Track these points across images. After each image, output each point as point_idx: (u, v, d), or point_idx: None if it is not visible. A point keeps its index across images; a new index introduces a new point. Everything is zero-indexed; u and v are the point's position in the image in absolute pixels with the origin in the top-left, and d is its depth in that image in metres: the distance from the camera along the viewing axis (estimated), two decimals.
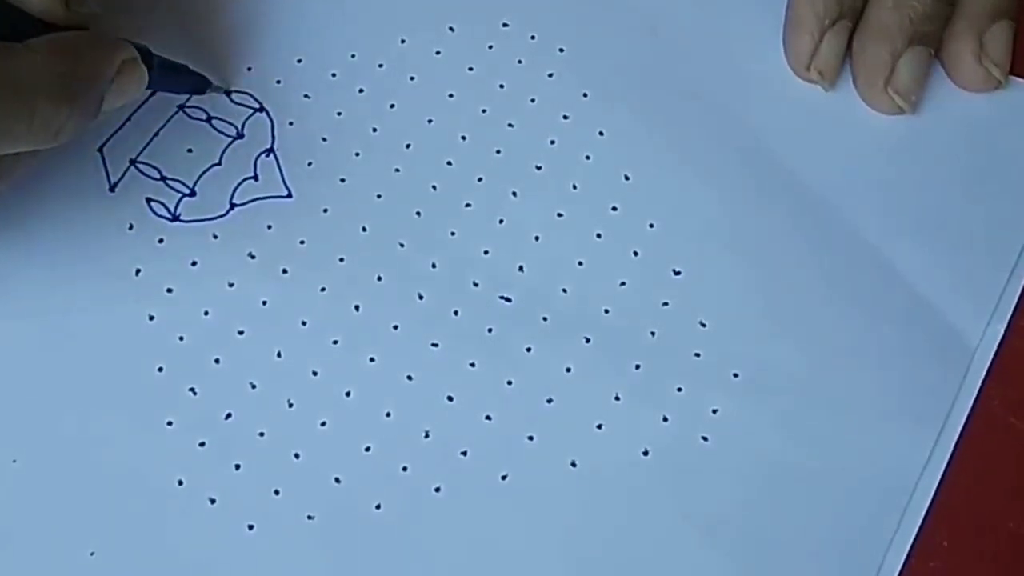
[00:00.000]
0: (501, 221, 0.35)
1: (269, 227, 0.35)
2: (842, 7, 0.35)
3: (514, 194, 0.35)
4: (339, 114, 0.36)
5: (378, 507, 0.31)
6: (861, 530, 0.31)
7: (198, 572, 0.30)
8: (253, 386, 0.32)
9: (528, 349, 0.33)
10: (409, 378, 0.32)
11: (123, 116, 0.36)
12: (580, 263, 0.34)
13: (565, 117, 0.36)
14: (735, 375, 0.33)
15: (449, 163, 0.36)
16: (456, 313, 0.33)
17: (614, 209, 0.35)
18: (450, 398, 0.32)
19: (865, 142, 0.36)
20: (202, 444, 0.32)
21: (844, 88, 0.36)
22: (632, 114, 0.36)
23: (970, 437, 0.31)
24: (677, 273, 0.34)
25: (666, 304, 0.34)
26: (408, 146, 0.36)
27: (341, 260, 0.34)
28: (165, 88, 0.35)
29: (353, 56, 0.37)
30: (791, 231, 0.34)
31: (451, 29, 0.38)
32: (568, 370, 0.33)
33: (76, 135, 0.30)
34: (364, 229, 0.35)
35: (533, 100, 0.37)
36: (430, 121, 0.36)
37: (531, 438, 0.32)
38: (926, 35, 0.35)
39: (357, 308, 0.33)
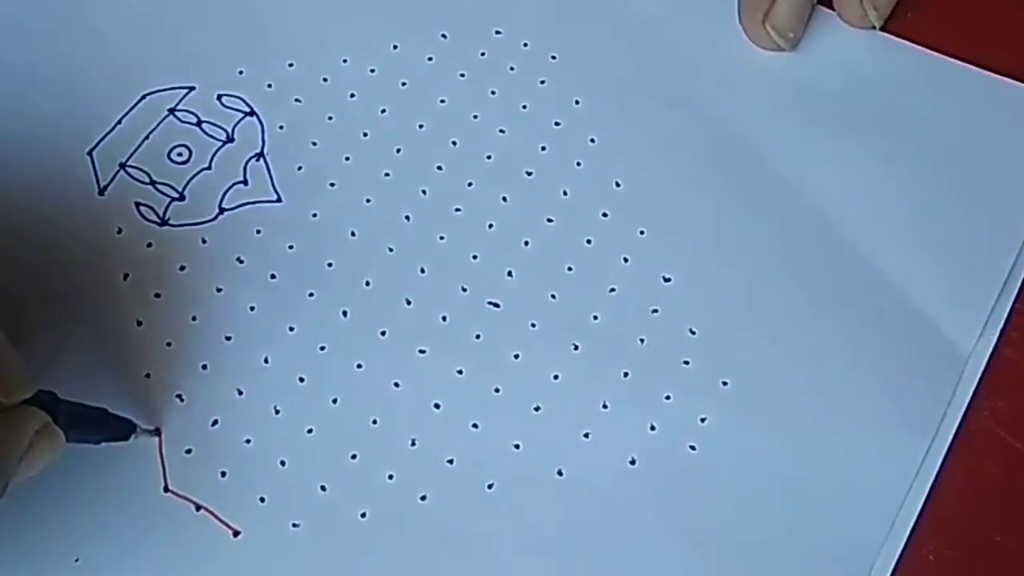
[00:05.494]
0: (491, 226, 0.35)
1: (258, 232, 0.35)
2: None
3: (504, 199, 0.35)
4: (330, 119, 0.36)
5: (363, 515, 0.31)
6: (849, 542, 0.30)
7: None
8: (240, 392, 0.32)
9: (516, 356, 0.33)
10: (396, 385, 0.32)
11: (114, 119, 0.36)
12: (570, 269, 0.34)
13: (556, 124, 0.36)
14: (724, 384, 0.32)
15: (439, 168, 0.36)
16: (444, 319, 0.33)
17: (604, 215, 0.35)
18: (437, 405, 0.32)
19: (859, 149, 0.36)
20: (188, 451, 0.31)
21: (836, 101, 0.36)
22: (623, 121, 0.36)
23: (958, 449, 0.31)
24: (667, 280, 0.34)
25: (656, 311, 0.33)
26: (398, 151, 0.36)
27: (329, 265, 0.34)
28: (82, 439, 0.30)
29: (345, 61, 0.37)
30: (782, 239, 0.34)
31: (443, 36, 0.38)
32: (556, 377, 0.33)
33: None
34: (353, 234, 0.35)
35: (525, 107, 0.36)
36: (421, 126, 0.36)
37: (518, 446, 0.32)
38: None
39: (345, 314, 0.33)
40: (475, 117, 0.36)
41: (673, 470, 0.31)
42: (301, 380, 0.32)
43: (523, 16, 0.38)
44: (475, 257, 0.34)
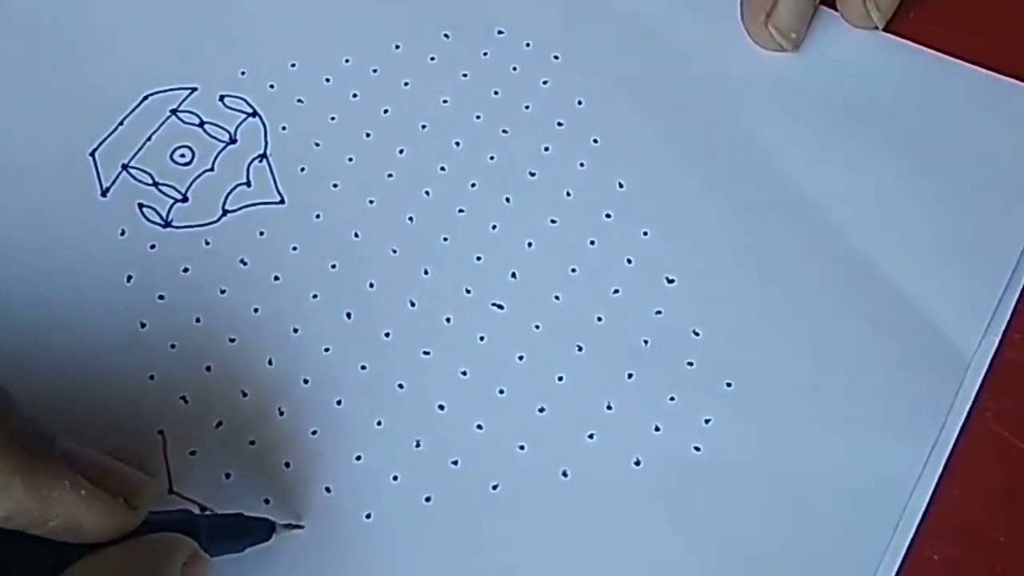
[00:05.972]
0: (494, 227, 0.35)
1: (261, 233, 0.34)
2: None
3: (507, 200, 0.35)
4: (332, 119, 0.36)
5: (368, 516, 0.31)
6: (853, 543, 0.30)
7: None
8: (244, 394, 0.32)
9: (520, 357, 0.33)
10: (400, 386, 0.32)
11: (116, 120, 0.36)
12: (573, 270, 0.34)
13: (559, 124, 0.36)
14: (728, 385, 0.32)
15: (442, 169, 0.36)
16: (448, 320, 0.33)
17: (608, 216, 0.35)
18: (441, 407, 0.32)
19: (861, 150, 0.36)
20: (193, 453, 0.31)
21: (839, 101, 0.36)
22: (626, 122, 0.36)
23: (962, 450, 0.31)
24: (671, 281, 0.34)
25: (659, 312, 0.33)
26: (401, 151, 0.36)
27: (333, 267, 0.34)
28: (225, 552, 0.29)
29: (347, 61, 0.37)
30: (786, 240, 0.34)
31: (446, 36, 0.38)
32: (560, 379, 0.33)
33: None
34: (356, 235, 0.35)
35: (527, 107, 0.36)
36: (424, 127, 0.36)
37: (522, 447, 0.32)
38: None
39: (349, 316, 0.33)
40: (478, 117, 0.36)
41: (677, 471, 0.31)
42: (305, 382, 0.32)
43: (525, 16, 0.38)
44: (479, 258, 0.34)
